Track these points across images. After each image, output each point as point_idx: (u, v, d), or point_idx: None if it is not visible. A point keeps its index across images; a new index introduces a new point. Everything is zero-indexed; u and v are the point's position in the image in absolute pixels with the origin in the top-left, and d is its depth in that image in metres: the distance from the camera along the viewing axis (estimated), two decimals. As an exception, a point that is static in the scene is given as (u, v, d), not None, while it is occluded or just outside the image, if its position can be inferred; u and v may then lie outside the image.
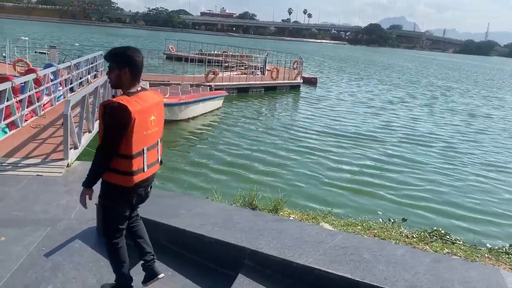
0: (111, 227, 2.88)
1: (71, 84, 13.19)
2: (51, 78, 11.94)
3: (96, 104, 9.59)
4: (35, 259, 4.11)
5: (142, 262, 3.13)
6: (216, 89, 19.46)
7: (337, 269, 3.34)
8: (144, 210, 3.45)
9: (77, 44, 45.54)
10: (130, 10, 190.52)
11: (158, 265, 3.24)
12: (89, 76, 15.47)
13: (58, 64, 13.67)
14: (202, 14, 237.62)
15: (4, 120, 8.64)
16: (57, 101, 11.96)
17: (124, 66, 2.74)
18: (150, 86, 17.47)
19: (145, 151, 2.75)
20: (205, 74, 22.66)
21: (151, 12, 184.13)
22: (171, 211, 4.40)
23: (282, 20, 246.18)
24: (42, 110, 10.54)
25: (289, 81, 28.41)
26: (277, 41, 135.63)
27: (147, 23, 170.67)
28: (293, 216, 4.91)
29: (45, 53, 36.96)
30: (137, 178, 2.74)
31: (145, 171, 2.78)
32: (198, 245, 3.87)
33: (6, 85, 8.19)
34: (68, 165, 7.29)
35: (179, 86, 17.61)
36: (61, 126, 8.09)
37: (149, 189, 2.97)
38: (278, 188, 8.27)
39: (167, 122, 13.22)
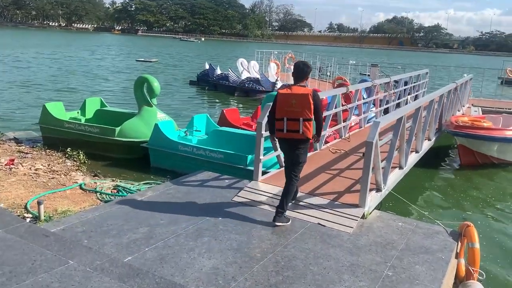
0: None
1: (386, 104, 11.06)
2: (364, 96, 10.15)
3: (414, 130, 6.99)
4: None
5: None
6: None
7: None
8: None
9: (400, 67, 44.35)
10: (460, 36, 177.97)
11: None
12: (409, 97, 12.94)
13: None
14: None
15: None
16: (368, 123, 10.04)
17: None
18: (483, 113, 13.53)
19: (285, 120, 4.52)
20: None
21: (483, 37, 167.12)
22: None
23: None
24: (348, 132, 8.74)
25: None
26: None
27: (477, 48, 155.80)
28: None
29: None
30: (278, 134, 4.66)
31: (284, 132, 4.57)
32: None
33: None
34: (363, 217, 4.97)
35: None
36: (362, 156, 5.88)
37: (294, 148, 4.64)
38: None
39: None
